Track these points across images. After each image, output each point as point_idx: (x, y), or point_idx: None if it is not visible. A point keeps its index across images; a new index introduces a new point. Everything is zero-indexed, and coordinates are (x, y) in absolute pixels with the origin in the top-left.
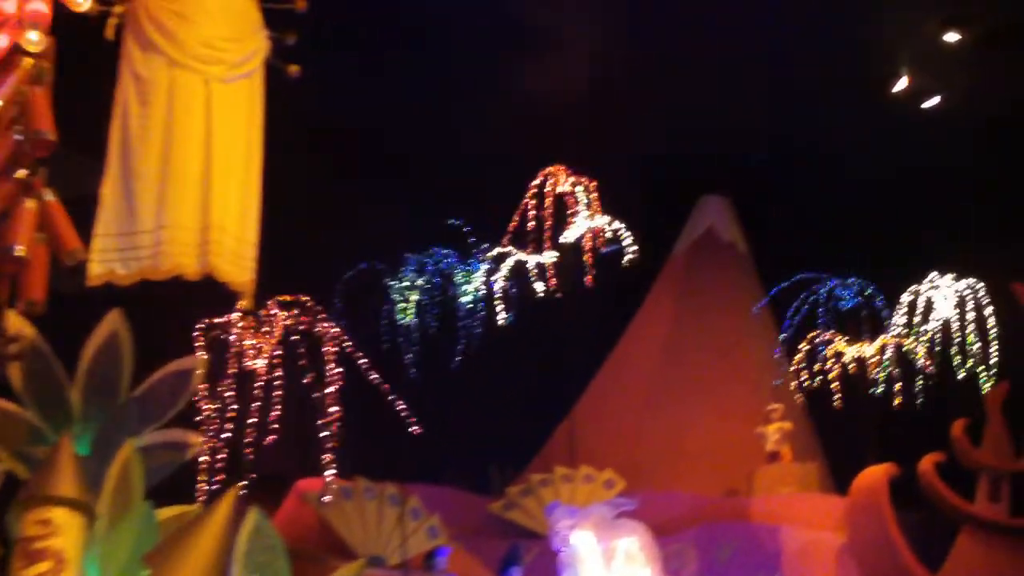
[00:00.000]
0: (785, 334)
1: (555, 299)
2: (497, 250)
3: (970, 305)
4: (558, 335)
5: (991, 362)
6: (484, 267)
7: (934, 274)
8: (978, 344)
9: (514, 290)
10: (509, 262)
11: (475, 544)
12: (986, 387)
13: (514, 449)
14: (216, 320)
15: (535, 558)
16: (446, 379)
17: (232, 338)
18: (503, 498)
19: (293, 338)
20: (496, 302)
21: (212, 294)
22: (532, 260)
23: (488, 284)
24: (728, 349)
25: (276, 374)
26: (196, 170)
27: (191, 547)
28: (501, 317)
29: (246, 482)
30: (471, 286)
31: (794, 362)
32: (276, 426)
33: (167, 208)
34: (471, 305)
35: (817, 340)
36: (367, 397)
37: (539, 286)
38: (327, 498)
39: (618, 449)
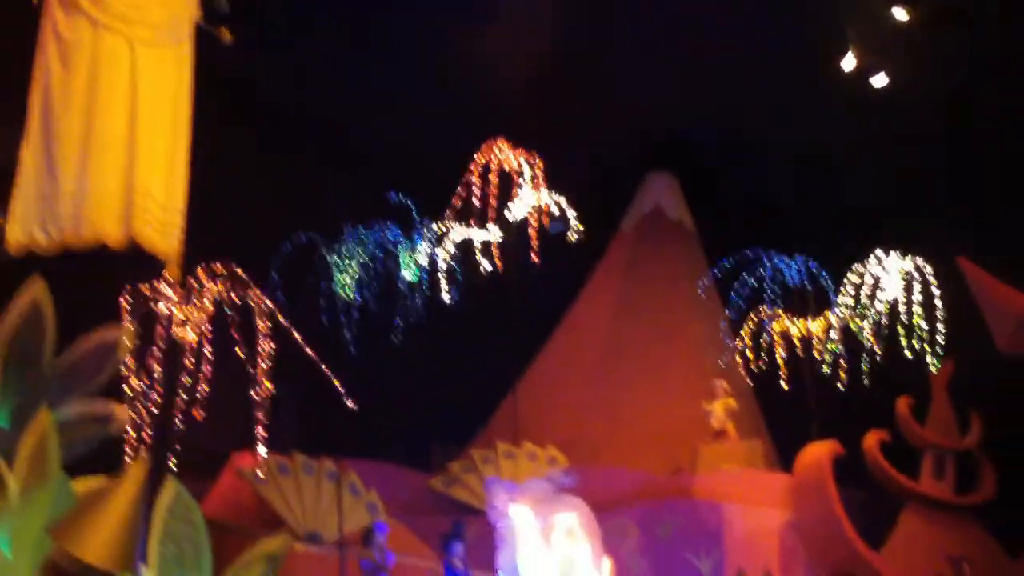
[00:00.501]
0: (731, 311)
1: (499, 276)
2: (440, 225)
3: (917, 283)
4: (502, 312)
5: (937, 341)
6: (427, 243)
7: (880, 252)
8: (924, 323)
9: (458, 266)
10: (453, 238)
11: (416, 520)
12: (932, 366)
13: (457, 426)
14: (143, 289)
15: (477, 534)
16: (387, 355)
17: (160, 308)
18: (445, 474)
19: (226, 311)
20: (439, 278)
21: (138, 263)
22: (476, 236)
23: (431, 259)
24: (674, 326)
25: (207, 347)
26: (120, 135)
27: (98, 518)
28: (445, 293)
29: (174, 456)
30: (414, 262)
31: (739, 339)
32: (207, 400)
33: (90, 173)
34: (414, 281)
35: (762, 318)
36: (303, 371)
37: (484, 263)
38: (260, 473)
39: (562, 426)
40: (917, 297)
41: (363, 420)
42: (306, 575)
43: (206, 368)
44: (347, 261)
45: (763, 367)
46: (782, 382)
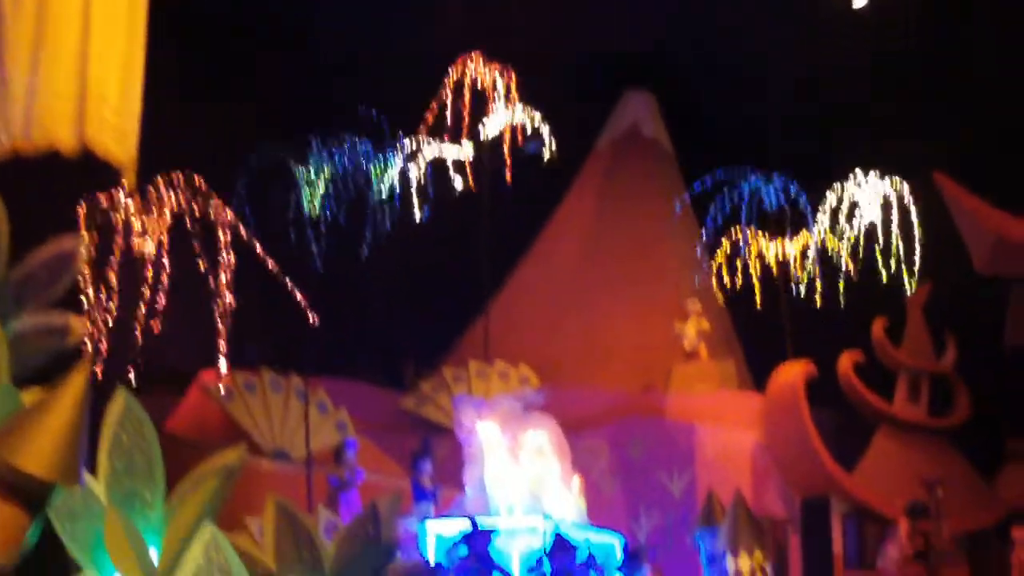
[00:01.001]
0: (706, 232)
1: (472, 194)
2: (413, 141)
3: (895, 205)
4: (475, 231)
5: (914, 263)
6: (399, 159)
7: (858, 172)
8: (902, 245)
9: (430, 184)
10: (425, 155)
11: (386, 439)
12: (908, 288)
13: (430, 345)
14: (100, 199)
15: (448, 453)
16: (358, 272)
17: (117, 219)
18: (416, 393)
19: (186, 222)
20: (412, 196)
21: (95, 171)
22: (449, 153)
23: (404, 176)
24: (648, 246)
25: (166, 259)
26: (73, 39)
27: (38, 426)
28: (417, 211)
29: (134, 370)
30: (385, 178)
31: (715, 260)
32: (167, 313)
33: (41, 77)
34: (385, 198)
35: (738, 238)
36: (271, 287)
37: (457, 181)
38: (223, 389)
39: (535, 346)
40: (895, 219)
41: (334, 338)
42: (274, 493)
43: (165, 280)
44: (315, 176)
45: (738, 288)
46: (757, 303)
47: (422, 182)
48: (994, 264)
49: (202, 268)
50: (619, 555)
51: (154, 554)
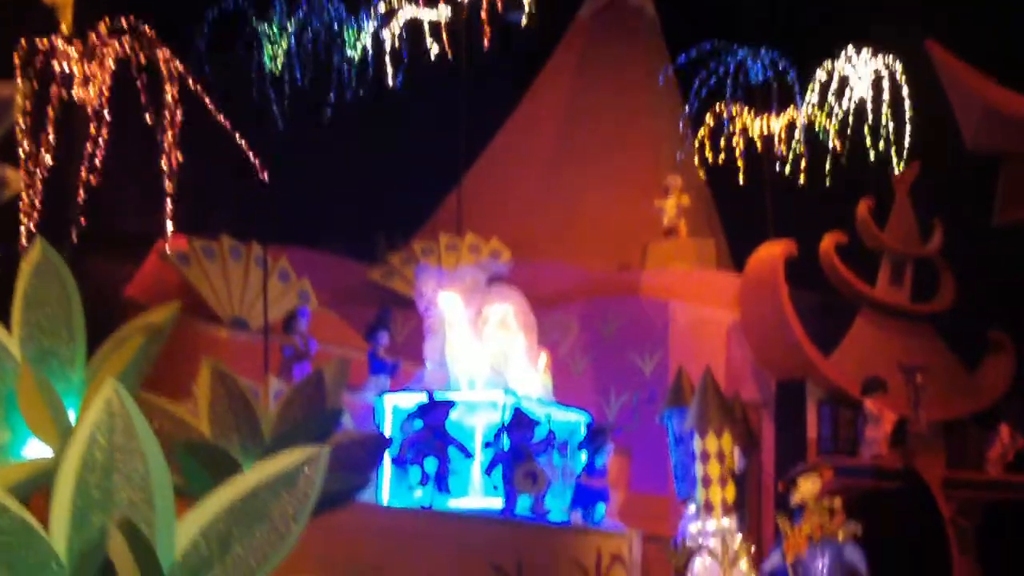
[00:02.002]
0: (690, 106)
1: (449, 60)
2: (388, 3)
3: (886, 83)
4: (451, 100)
5: (903, 143)
6: (372, 19)
7: (850, 49)
8: (891, 124)
9: (405, 48)
10: (401, 18)
11: (349, 310)
12: (896, 168)
13: (402, 217)
14: (38, 44)
15: (416, 327)
16: (327, 138)
17: (57, 66)
18: (384, 266)
19: (132, 73)
20: (385, 60)
21: (32, 14)
22: (426, 16)
23: (376, 36)
24: (629, 120)
25: (108, 111)
26: None
27: None
28: (390, 77)
29: (75, 226)
30: (358, 41)
31: (698, 135)
32: (113, 171)
33: None
34: (356, 62)
35: (723, 113)
36: (231, 149)
37: (432, 46)
38: (179, 255)
39: (510, 220)
40: (886, 97)
41: (300, 207)
42: (230, 362)
43: (106, 133)
44: (278, 33)
45: (721, 164)
46: (740, 180)
47: (396, 46)
48: (984, 138)
49: (151, 123)
50: (583, 433)
51: (73, 416)
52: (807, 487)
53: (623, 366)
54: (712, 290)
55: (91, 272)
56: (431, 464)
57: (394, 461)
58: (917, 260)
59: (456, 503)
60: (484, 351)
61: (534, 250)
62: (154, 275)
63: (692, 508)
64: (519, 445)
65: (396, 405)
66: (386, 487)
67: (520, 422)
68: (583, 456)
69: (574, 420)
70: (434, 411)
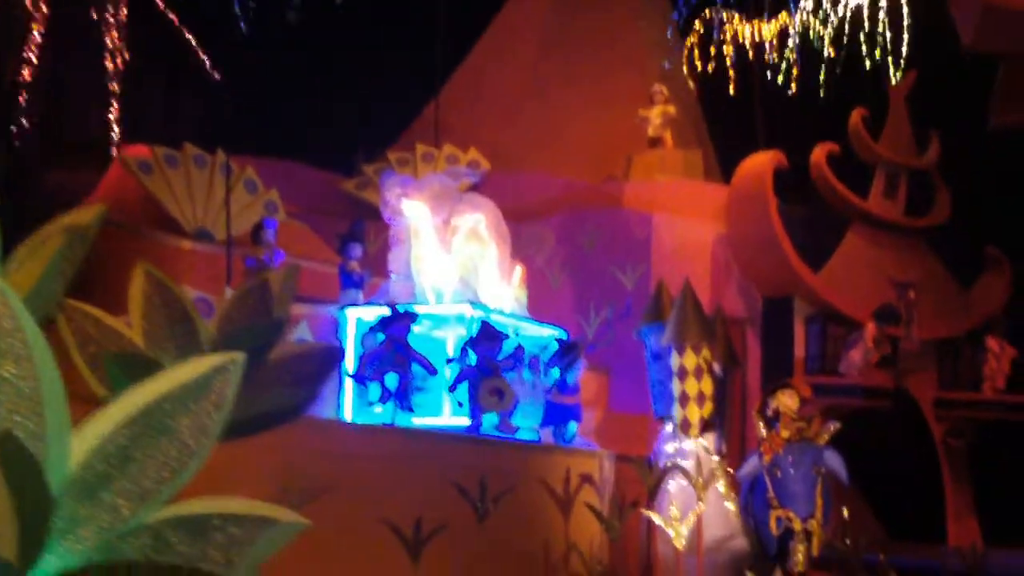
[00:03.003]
0: (679, 11)
1: None
2: None
3: None
4: (430, 4)
5: (901, 52)
6: None
7: None
8: (888, 31)
9: None
10: None
11: (323, 222)
12: (892, 77)
13: (379, 128)
14: None
15: (387, 239)
16: (301, 48)
17: None
18: (358, 176)
19: None
20: None
21: None
22: None
23: None
24: (616, 27)
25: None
26: None
27: None
28: None
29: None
30: None
31: (687, 43)
32: (53, 70)
33: None
34: None
35: (713, 19)
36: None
37: None
38: (141, 162)
39: (491, 132)
40: (883, 3)
41: (269, 116)
42: (193, 273)
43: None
44: None
45: (710, 73)
46: (730, 89)
47: None
48: (983, 36)
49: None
50: (555, 349)
51: None
52: (785, 400)
53: (604, 281)
54: (698, 202)
55: (48, 181)
56: (392, 380)
57: (355, 377)
58: (912, 173)
59: (421, 422)
60: (452, 262)
61: (515, 161)
62: (116, 185)
63: (669, 427)
64: (485, 360)
65: (360, 319)
66: (348, 404)
67: (487, 336)
68: (555, 373)
69: (546, 336)
70: (396, 324)
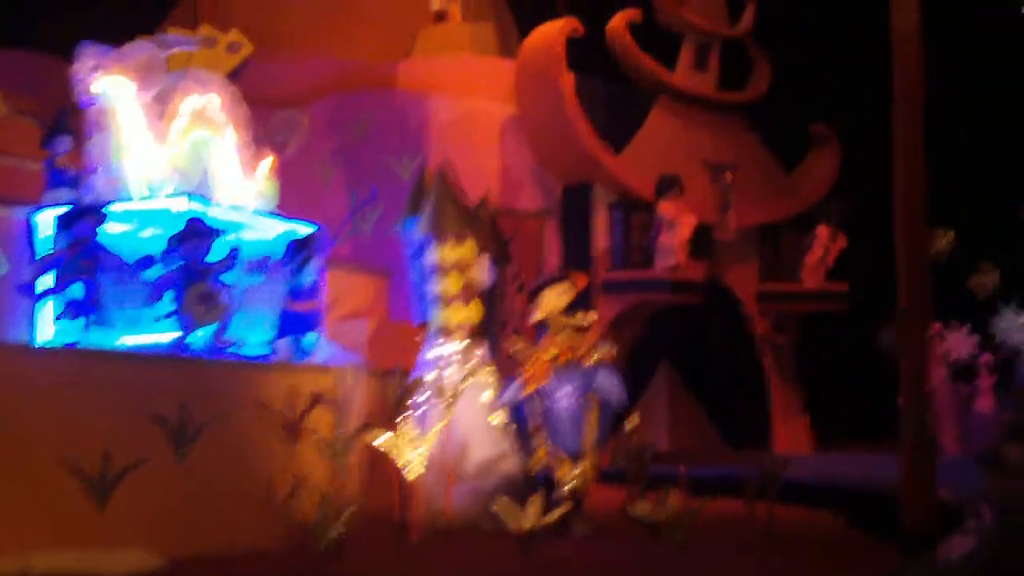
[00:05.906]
0: None
1: None
2: None
3: None
4: None
5: None
6: None
7: None
8: None
9: None
10: None
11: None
12: None
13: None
14: None
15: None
16: None
17: None
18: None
19: None
20: None
21: None
22: None
23: None
24: None
25: None
26: None
27: None
28: None
29: None
30: None
31: None
32: None
33: None
34: None
35: None
36: None
37: None
38: None
39: (260, 12)
40: None
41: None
42: None
43: None
44: None
45: None
46: None
47: None
48: None
49: None
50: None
51: None
52: (552, 300)
53: (377, 173)
54: (484, 80)
55: None
56: (77, 290)
57: (23, 289)
58: (725, 42)
59: (128, 340)
60: (169, 151)
61: (284, 42)
62: None
63: (431, 334)
64: (191, 262)
65: (56, 219)
66: (46, 324)
67: (193, 233)
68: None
69: (281, 232)
70: (79, 223)
